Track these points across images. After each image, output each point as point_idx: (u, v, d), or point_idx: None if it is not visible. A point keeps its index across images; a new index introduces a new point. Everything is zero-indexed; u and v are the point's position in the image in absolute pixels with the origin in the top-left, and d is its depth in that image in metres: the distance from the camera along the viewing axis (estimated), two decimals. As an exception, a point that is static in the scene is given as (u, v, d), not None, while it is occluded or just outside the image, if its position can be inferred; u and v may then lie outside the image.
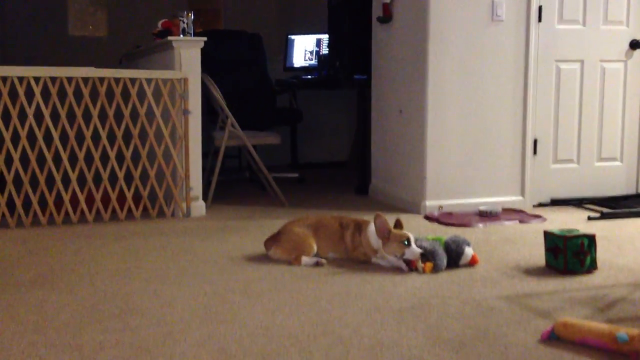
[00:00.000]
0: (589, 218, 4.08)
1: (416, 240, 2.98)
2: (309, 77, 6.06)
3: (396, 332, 2.21)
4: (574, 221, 4.00)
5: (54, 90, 3.88)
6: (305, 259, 3.02)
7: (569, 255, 2.87)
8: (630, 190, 4.70)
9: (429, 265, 2.91)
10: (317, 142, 6.77)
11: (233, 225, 3.98)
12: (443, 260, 2.93)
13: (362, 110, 5.06)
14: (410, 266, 2.92)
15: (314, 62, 6.34)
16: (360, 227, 3.08)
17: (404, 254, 2.91)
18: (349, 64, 5.24)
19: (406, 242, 2.91)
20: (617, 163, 4.68)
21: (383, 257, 2.99)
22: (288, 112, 6.13)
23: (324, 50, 6.22)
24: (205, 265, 3.05)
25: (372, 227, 3.02)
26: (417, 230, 3.53)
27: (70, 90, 3.92)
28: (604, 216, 4.12)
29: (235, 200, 4.78)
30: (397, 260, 2.93)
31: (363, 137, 5.06)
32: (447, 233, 3.39)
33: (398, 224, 2.98)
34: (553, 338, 2.14)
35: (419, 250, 2.90)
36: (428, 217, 4.11)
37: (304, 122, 6.23)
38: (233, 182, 5.56)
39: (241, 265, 3.05)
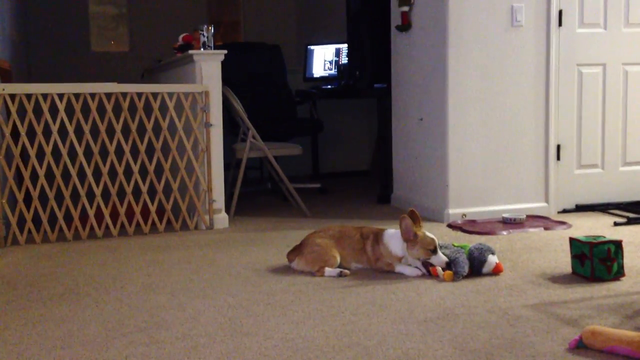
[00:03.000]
0: (615, 224, 4.03)
1: (440, 247, 2.98)
2: (329, 86, 6.07)
3: (422, 343, 2.19)
4: (600, 227, 3.95)
5: (77, 106, 3.93)
6: (328, 270, 3.02)
7: (596, 262, 2.84)
8: (657, 194, 4.64)
9: (448, 273, 2.89)
10: (339, 151, 6.77)
11: (256, 236, 3.99)
12: (464, 268, 2.91)
13: (383, 119, 5.06)
14: (430, 272, 2.91)
15: (333, 71, 6.35)
16: (377, 236, 3.08)
17: (429, 259, 2.92)
18: (368, 72, 5.25)
19: (432, 250, 2.91)
20: (643, 167, 4.62)
21: (406, 263, 2.98)
22: (309, 123, 6.14)
23: (344, 60, 6.24)
24: (229, 278, 3.06)
25: (387, 234, 3.03)
26: (441, 239, 3.50)
27: (93, 106, 3.97)
28: (630, 221, 4.06)
29: (257, 212, 4.79)
30: (417, 263, 2.94)
31: (384, 145, 5.06)
32: (471, 241, 3.37)
33: (413, 215, 2.96)
34: (581, 346, 2.11)
35: (445, 259, 2.90)
36: (451, 226, 4.09)
37: (325, 132, 6.24)
38: (255, 194, 5.58)
39: (265, 277, 3.05)
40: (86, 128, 3.96)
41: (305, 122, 6.16)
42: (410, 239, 2.93)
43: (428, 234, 2.95)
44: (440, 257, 2.91)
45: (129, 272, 3.20)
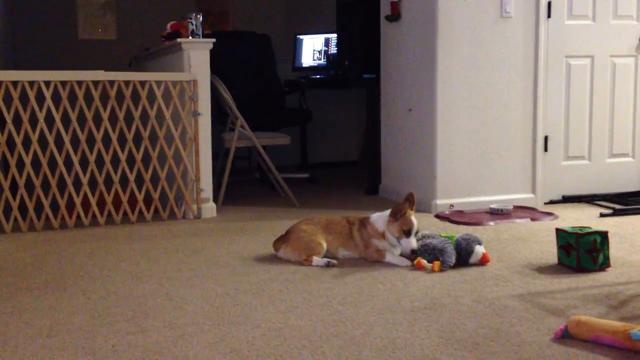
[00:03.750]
0: (601, 215, 4.06)
1: (427, 237, 3.00)
2: (318, 76, 6.06)
3: (409, 332, 2.20)
4: (586, 218, 3.98)
5: (64, 94, 3.90)
6: (316, 260, 3.02)
7: (582, 252, 2.86)
8: (643, 186, 4.67)
9: (437, 263, 2.90)
10: (327, 141, 6.77)
11: (244, 226, 3.98)
12: (451, 258, 2.93)
13: (372, 109, 5.05)
14: (417, 266, 2.93)
15: (322, 61, 6.33)
16: (363, 221, 3.11)
17: (399, 240, 2.97)
18: (357, 63, 5.23)
19: (406, 231, 2.94)
20: (629, 159, 4.66)
21: (388, 242, 3.01)
22: (297, 112, 6.13)
23: (333, 50, 6.22)
24: (217, 267, 3.05)
25: (373, 215, 3.07)
26: (428, 230, 3.51)
27: (80, 94, 3.94)
28: (616, 213, 4.09)
29: (245, 201, 4.79)
30: (402, 257, 2.98)
31: (373, 136, 5.06)
32: (459, 232, 3.38)
33: (410, 198, 3.01)
34: (566, 336, 2.13)
35: (412, 246, 2.94)
36: (439, 216, 4.10)
37: (314, 122, 6.23)
38: (243, 183, 5.57)
39: (252, 267, 3.05)
40: (73, 116, 3.93)
41: (294, 112, 6.14)
42: (396, 214, 2.96)
43: (412, 218, 2.97)
44: (409, 242, 2.95)
45: (115, 261, 3.19)
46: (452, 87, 4.21)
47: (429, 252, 2.94)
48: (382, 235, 3.03)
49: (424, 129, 4.32)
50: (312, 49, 6.41)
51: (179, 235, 3.76)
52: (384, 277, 2.83)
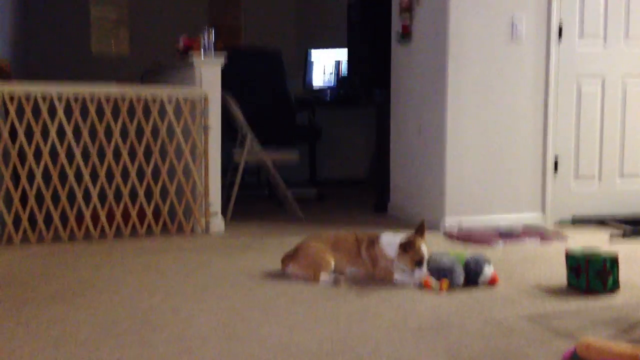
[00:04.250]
0: (612, 237, 4.03)
1: (437, 255, 2.98)
2: (328, 94, 6.08)
3: (415, 351, 2.19)
4: (596, 240, 3.95)
5: (76, 107, 3.93)
6: (324, 276, 3.00)
7: (591, 275, 2.83)
8: (654, 208, 4.64)
9: (445, 282, 2.89)
10: (336, 159, 6.77)
11: (251, 241, 3.98)
12: (460, 278, 2.91)
13: (381, 128, 5.06)
14: (424, 285, 2.91)
15: (333, 80, 6.36)
16: (372, 240, 3.08)
17: (412, 271, 2.94)
18: (368, 81, 5.25)
19: (417, 262, 2.92)
20: (640, 180, 4.63)
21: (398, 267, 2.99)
22: (307, 129, 6.14)
23: (344, 69, 6.24)
24: (224, 282, 3.05)
25: (384, 236, 3.04)
26: (437, 249, 3.50)
27: (92, 107, 3.96)
28: (626, 235, 4.06)
29: (253, 217, 4.79)
30: (415, 279, 2.95)
31: (382, 154, 5.05)
32: (467, 251, 3.36)
33: (420, 227, 2.99)
34: (575, 359, 2.10)
35: (421, 278, 2.91)
36: (448, 235, 4.08)
37: (323, 140, 6.24)
38: (252, 199, 5.57)
39: (259, 282, 3.04)
40: (84, 129, 3.96)
41: (304, 129, 6.16)
42: (406, 247, 2.94)
43: (423, 248, 2.94)
44: (420, 274, 2.92)
45: (123, 274, 3.19)
46: (462, 107, 4.21)
47: (438, 271, 2.93)
48: (392, 261, 3.00)
49: (434, 148, 4.32)
50: (323, 67, 6.43)
51: (187, 249, 3.76)
52: (391, 296, 2.82)
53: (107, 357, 2.13)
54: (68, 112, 3.93)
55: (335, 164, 6.76)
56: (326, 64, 6.42)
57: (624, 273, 3.06)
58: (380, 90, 5.04)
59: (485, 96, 4.25)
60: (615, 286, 2.88)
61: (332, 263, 3.06)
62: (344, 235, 3.19)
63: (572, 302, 2.76)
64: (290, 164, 5.26)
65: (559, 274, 3.12)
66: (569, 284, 2.95)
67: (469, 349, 2.21)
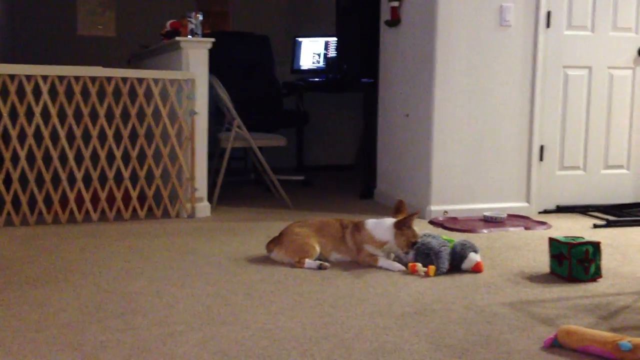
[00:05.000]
0: (595, 226, 4.06)
1: (428, 236, 3.02)
2: (316, 79, 6.06)
3: (398, 337, 2.20)
4: (580, 228, 3.99)
5: (61, 89, 3.90)
6: (308, 262, 3.01)
7: (574, 262, 2.86)
8: (637, 198, 4.67)
9: (432, 268, 2.90)
10: (323, 145, 6.76)
11: (237, 226, 3.98)
12: (445, 264, 2.93)
13: (369, 114, 5.05)
14: (411, 270, 2.93)
15: (321, 64, 6.34)
16: (357, 225, 3.10)
17: (407, 253, 2.99)
18: (356, 67, 5.24)
19: (413, 244, 2.98)
20: (624, 171, 4.66)
21: (387, 250, 3.01)
22: (295, 115, 6.13)
23: (332, 53, 6.22)
24: (209, 267, 3.05)
25: (370, 221, 3.07)
26: (427, 231, 3.50)
27: (77, 89, 3.93)
28: (609, 224, 4.10)
29: (240, 202, 4.78)
30: (398, 251, 3.01)
31: (369, 140, 5.06)
32: (455, 238, 3.37)
33: (400, 205, 3.07)
34: (556, 345, 2.13)
35: (410, 259, 2.98)
36: (433, 222, 4.10)
37: (311, 125, 6.23)
38: (238, 184, 5.56)
39: (244, 267, 3.04)
40: (69, 111, 3.92)
41: (291, 114, 6.15)
42: (403, 226, 2.97)
43: (416, 230, 3.01)
44: (410, 255, 2.99)
45: (107, 258, 3.18)
46: (450, 94, 4.21)
47: (425, 254, 2.94)
48: (380, 244, 3.02)
49: (420, 134, 4.32)
50: (311, 51, 6.41)
51: (172, 233, 3.75)
52: (375, 281, 2.83)
53: (91, 341, 2.12)
54: (53, 93, 3.90)
55: (322, 150, 6.76)
56: (315, 46, 6.38)
57: (606, 261, 3.09)
58: (368, 79, 5.03)
59: (473, 83, 4.25)
60: (597, 274, 2.90)
61: (317, 248, 3.07)
62: (329, 221, 3.20)
63: (555, 289, 2.78)
64: (278, 149, 5.25)
65: (542, 262, 3.15)
66: (552, 271, 2.97)
67: (451, 335, 2.22)
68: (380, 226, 3.04)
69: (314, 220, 3.21)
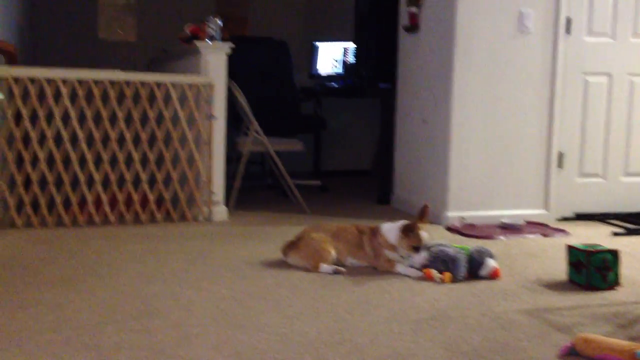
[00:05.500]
0: (614, 234, 4.02)
1: (441, 245, 2.98)
2: (334, 85, 6.06)
3: (413, 343, 2.19)
4: (598, 236, 3.95)
5: (81, 93, 3.93)
6: (324, 267, 3.01)
7: (592, 270, 2.83)
8: (657, 206, 4.62)
9: (448, 275, 2.89)
10: (341, 150, 6.76)
11: (254, 231, 3.99)
12: (462, 270, 2.92)
13: (386, 119, 5.04)
14: (426, 276, 2.92)
15: (339, 70, 6.34)
16: (374, 230, 3.10)
17: (411, 256, 2.97)
18: (374, 72, 5.24)
19: (415, 248, 2.95)
20: (644, 178, 4.61)
21: (399, 254, 3.00)
22: (312, 120, 6.13)
23: (350, 59, 6.23)
24: (225, 270, 3.05)
25: (385, 225, 3.06)
26: (441, 241, 3.49)
27: (97, 93, 3.97)
28: (629, 232, 4.05)
29: (256, 206, 4.79)
30: (412, 268, 2.96)
31: (386, 146, 5.05)
32: (470, 244, 3.36)
33: (424, 212, 3.02)
34: (573, 353, 2.10)
35: (420, 262, 2.94)
36: (450, 228, 4.08)
37: (328, 130, 6.23)
38: (255, 189, 5.57)
39: (260, 271, 3.05)
40: (89, 115, 3.96)
41: (309, 119, 6.15)
42: (407, 231, 2.96)
43: (423, 233, 2.95)
44: (418, 258, 2.94)
45: (124, 260, 3.20)
46: (468, 100, 4.20)
47: (442, 261, 2.93)
48: (393, 247, 3.01)
49: (438, 140, 4.31)
50: (330, 56, 6.42)
51: (189, 237, 3.77)
52: (391, 287, 2.82)
53: (106, 343, 2.14)
54: (73, 97, 3.94)
55: (339, 155, 6.76)
56: (333, 51, 6.39)
57: (625, 269, 3.05)
58: (386, 84, 5.03)
59: (491, 89, 4.23)
60: (615, 282, 2.87)
61: (333, 253, 3.07)
62: (345, 226, 3.20)
63: (572, 297, 2.75)
64: (295, 154, 5.26)
65: (560, 269, 3.12)
66: (570, 279, 2.94)
67: (467, 342, 2.21)
68: (393, 229, 3.03)
69: (330, 226, 3.21)
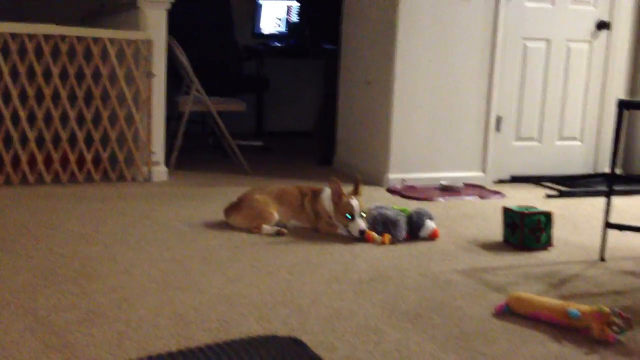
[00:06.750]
0: (548, 196, 4.15)
1: (381, 207, 3.01)
2: (278, 44, 5.99)
3: (354, 303, 2.23)
4: (533, 198, 4.07)
5: (14, 47, 3.77)
6: (266, 228, 3.02)
7: (526, 231, 2.92)
8: (589, 169, 4.79)
9: (387, 236, 2.93)
10: (283, 111, 6.72)
11: (194, 191, 3.95)
12: (402, 232, 2.96)
13: (329, 80, 5.03)
14: (366, 239, 2.93)
15: (283, 29, 6.26)
16: (316, 194, 3.10)
17: (345, 225, 2.96)
18: (318, 32, 5.20)
19: (349, 216, 2.93)
20: (577, 143, 4.76)
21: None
22: (255, 80, 6.06)
23: (294, 18, 6.15)
24: (165, 232, 3.02)
25: (326, 192, 3.05)
26: (380, 203, 3.53)
27: (31, 48, 3.81)
28: (562, 194, 4.19)
29: (197, 167, 4.74)
30: (351, 233, 2.97)
31: (329, 107, 5.04)
32: (410, 206, 3.41)
33: (356, 184, 3.00)
34: (506, 312, 2.18)
35: (360, 227, 2.92)
36: (390, 190, 4.14)
37: (271, 90, 6.17)
38: (196, 149, 5.50)
39: (201, 232, 3.03)
40: (22, 70, 3.81)
41: (251, 79, 6.08)
42: (335, 201, 2.97)
43: (352, 201, 2.94)
44: (356, 225, 2.93)
45: (61, 221, 3.13)
46: (411, 63, 4.22)
47: (382, 223, 2.96)
48: (330, 216, 3.03)
49: (381, 102, 4.33)
50: (273, 15, 6.32)
51: (128, 197, 3.71)
52: (332, 248, 2.85)
53: (43, 305, 2.10)
54: (5, 52, 3.77)
55: (282, 116, 6.72)
56: (276, 9, 6.30)
57: (557, 230, 3.16)
58: (330, 45, 5.00)
59: (434, 53, 4.26)
60: (548, 243, 2.98)
61: (276, 215, 3.07)
62: (287, 188, 3.20)
63: (507, 257, 2.85)
64: (237, 114, 5.20)
65: (496, 230, 3.21)
66: (505, 239, 3.04)
67: (405, 301, 2.26)
68: (329, 200, 3.02)
69: (273, 188, 3.21)
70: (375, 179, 4.30)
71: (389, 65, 4.23)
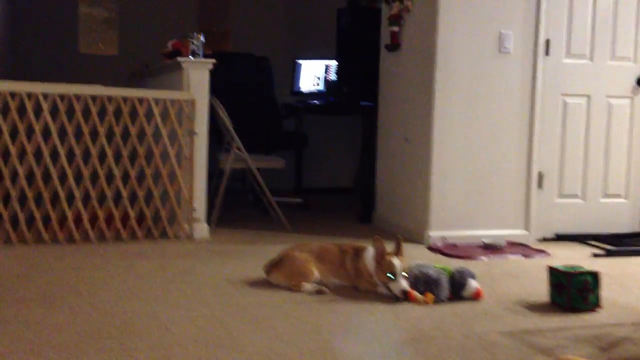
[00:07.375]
0: (594, 255, 4.05)
1: (422, 266, 2.97)
2: (316, 102, 6.08)
3: (396, 365, 2.18)
4: (579, 257, 3.97)
5: (62, 108, 3.90)
6: (306, 286, 3.00)
7: (573, 292, 2.85)
8: (635, 227, 4.67)
9: (430, 296, 2.88)
10: (322, 167, 6.76)
11: (235, 248, 3.96)
12: (445, 292, 2.91)
13: (368, 137, 5.06)
14: (408, 298, 2.88)
15: (321, 87, 6.36)
16: (358, 252, 3.07)
17: (387, 286, 2.91)
18: (356, 90, 5.26)
19: (391, 276, 2.88)
20: (622, 200, 4.66)
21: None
22: (294, 137, 6.14)
23: (332, 76, 6.25)
24: (206, 289, 3.03)
25: (370, 251, 3.02)
26: (421, 261, 3.49)
27: (78, 108, 3.93)
28: (609, 254, 4.09)
29: (238, 224, 4.77)
30: (393, 293, 2.91)
31: (368, 164, 5.06)
32: (452, 264, 3.36)
33: (398, 243, 2.96)
34: (555, 376, 2.11)
35: (402, 287, 2.87)
36: (431, 248, 4.09)
37: (310, 147, 6.23)
38: (236, 205, 5.55)
39: (242, 290, 3.03)
40: (70, 130, 3.92)
41: (291, 136, 6.15)
42: (377, 260, 2.94)
43: (395, 260, 2.90)
44: (399, 284, 2.87)
45: (104, 278, 3.16)
46: (449, 119, 4.23)
47: (424, 282, 2.92)
48: (371, 274, 2.99)
49: (419, 159, 4.33)
50: (312, 74, 6.44)
51: (170, 254, 3.74)
52: (373, 308, 2.81)
53: (86, 363, 2.10)
54: (54, 112, 3.90)
55: (321, 172, 6.76)
56: (315, 68, 6.41)
57: (606, 291, 3.07)
58: (367, 103, 5.05)
59: (472, 109, 4.26)
60: (596, 304, 2.89)
61: (316, 273, 3.05)
62: (328, 246, 3.18)
63: (554, 318, 2.77)
64: (276, 171, 5.25)
65: (541, 290, 3.13)
66: (551, 300, 2.96)
67: (450, 364, 2.21)
68: (371, 259, 2.99)
69: (313, 245, 3.20)
70: (416, 236, 4.27)
71: (427, 121, 4.24)
